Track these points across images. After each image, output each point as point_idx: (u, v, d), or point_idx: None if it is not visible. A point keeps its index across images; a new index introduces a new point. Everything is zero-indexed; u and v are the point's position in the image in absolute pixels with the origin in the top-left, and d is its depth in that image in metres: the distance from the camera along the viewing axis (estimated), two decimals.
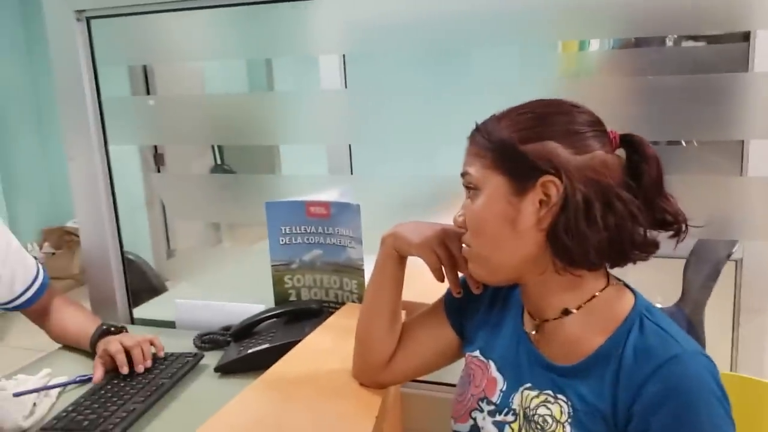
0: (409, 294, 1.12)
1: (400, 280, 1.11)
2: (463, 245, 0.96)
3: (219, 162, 5.74)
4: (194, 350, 1.50)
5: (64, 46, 1.68)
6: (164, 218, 4.30)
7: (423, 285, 1.68)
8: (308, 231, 1.55)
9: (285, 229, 1.56)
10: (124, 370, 1.36)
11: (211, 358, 1.45)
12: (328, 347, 1.31)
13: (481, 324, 1.05)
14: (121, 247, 1.81)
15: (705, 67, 2.24)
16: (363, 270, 1.50)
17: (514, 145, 0.86)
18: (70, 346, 1.56)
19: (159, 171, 4.50)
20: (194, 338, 1.55)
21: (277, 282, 1.60)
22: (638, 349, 0.83)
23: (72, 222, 4.62)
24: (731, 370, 2.34)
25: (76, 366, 1.47)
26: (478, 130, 0.91)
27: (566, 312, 0.90)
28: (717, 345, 2.33)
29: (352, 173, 2.19)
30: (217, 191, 1.99)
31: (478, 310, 1.06)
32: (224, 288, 1.88)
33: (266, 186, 1.94)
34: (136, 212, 4.05)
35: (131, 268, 2.06)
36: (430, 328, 1.11)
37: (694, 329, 2.20)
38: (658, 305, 2.59)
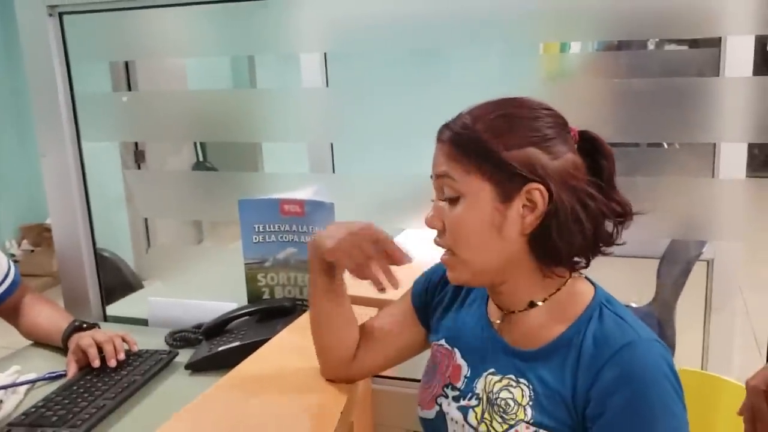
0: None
1: (337, 289, 1.12)
2: (445, 254, 0.95)
3: (201, 159, 5.72)
4: (167, 348, 1.51)
5: (36, 42, 1.67)
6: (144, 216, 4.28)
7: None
8: (282, 229, 1.56)
9: (258, 227, 1.56)
10: (96, 363, 1.36)
11: (184, 356, 1.45)
12: (298, 345, 1.31)
13: (447, 313, 1.07)
14: (94, 244, 1.81)
15: (683, 70, 2.28)
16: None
17: (499, 154, 0.86)
18: (41, 342, 1.56)
19: (139, 168, 4.48)
20: (166, 336, 1.55)
21: (250, 280, 1.60)
22: (597, 336, 0.86)
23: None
24: (702, 368, 2.37)
25: (46, 363, 1.46)
26: (451, 130, 0.91)
27: (532, 304, 0.93)
28: (688, 343, 2.37)
29: (334, 171, 2.19)
30: (195, 189, 1.98)
31: (443, 300, 1.09)
32: (199, 286, 1.88)
33: (246, 184, 1.94)
34: (115, 209, 4.03)
35: (106, 265, 2.06)
36: (398, 322, 1.13)
37: (666, 327, 2.23)
38: (633, 304, 2.63)
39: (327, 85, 2.16)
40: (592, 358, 0.85)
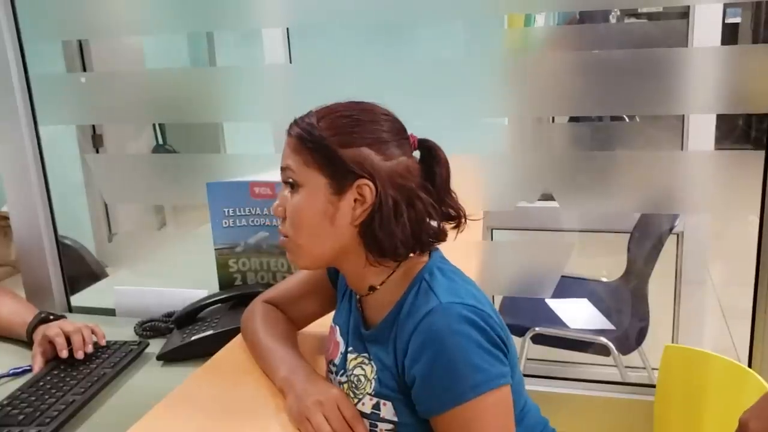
0: None
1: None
2: (282, 236, 1.02)
3: (161, 142, 5.58)
4: (136, 338, 1.45)
5: None
6: (104, 201, 4.16)
7: None
8: (253, 212, 1.51)
9: (228, 211, 1.51)
10: (63, 354, 1.30)
11: (154, 347, 1.40)
12: None
13: (345, 292, 1.14)
14: (56, 232, 1.73)
15: (647, 42, 2.28)
16: None
17: (335, 150, 0.95)
18: (3, 336, 1.49)
19: (97, 152, 4.34)
20: (135, 326, 1.50)
21: (222, 266, 1.55)
22: (409, 311, 0.95)
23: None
24: (672, 340, 2.41)
25: (9, 358, 1.39)
26: (298, 126, 0.98)
27: (372, 288, 1.02)
28: (660, 316, 2.40)
29: None
30: (158, 172, 1.92)
31: (342, 283, 1.15)
32: (167, 273, 1.82)
33: (209, 166, 1.88)
34: (74, 195, 3.90)
35: (68, 253, 1.98)
36: (318, 297, 1.23)
37: (639, 302, 2.25)
38: (603, 279, 2.64)
39: (290, 62, 2.11)
40: (403, 330, 0.95)
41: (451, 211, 1.02)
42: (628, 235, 2.49)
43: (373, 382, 1.00)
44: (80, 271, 2.18)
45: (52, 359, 1.33)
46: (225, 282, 1.56)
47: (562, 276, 1.80)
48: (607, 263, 2.90)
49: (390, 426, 0.98)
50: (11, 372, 1.33)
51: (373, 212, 0.95)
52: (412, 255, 1.00)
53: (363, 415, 0.99)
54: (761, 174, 1.36)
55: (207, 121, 2.79)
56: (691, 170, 1.54)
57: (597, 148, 2.59)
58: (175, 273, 1.77)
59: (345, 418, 0.96)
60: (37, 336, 1.36)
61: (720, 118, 2.12)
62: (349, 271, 1.04)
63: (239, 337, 1.26)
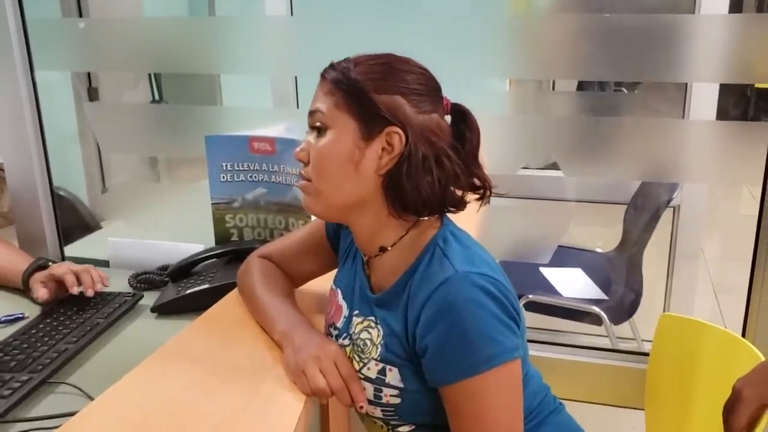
0: None
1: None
2: (302, 181, 0.99)
3: (157, 98, 5.52)
4: (129, 290, 1.44)
5: None
6: (98, 153, 4.11)
7: None
8: (251, 168, 1.49)
9: (226, 166, 1.49)
10: (75, 290, 1.31)
11: (148, 299, 1.40)
12: None
13: (347, 255, 1.13)
14: (50, 179, 1.71)
15: (654, 8, 2.24)
16: None
17: (369, 93, 0.92)
18: None
19: None
20: (129, 277, 1.49)
21: (218, 221, 1.54)
22: (422, 278, 0.93)
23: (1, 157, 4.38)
24: (664, 311, 2.42)
25: (2, 304, 1.39)
26: (334, 69, 0.96)
27: (383, 249, 1.00)
28: (653, 288, 2.41)
29: (298, 107, 2.11)
30: (155, 123, 1.89)
31: (347, 239, 1.14)
32: (161, 227, 1.81)
33: (207, 118, 1.85)
34: (67, 146, 3.85)
35: (62, 204, 1.96)
36: (312, 252, 1.21)
37: (632, 273, 2.25)
38: (598, 249, 2.64)
39: (291, 14, 2.07)
40: (416, 298, 0.92)
41: (477, 181, 0.99)
42: (625, 206, 2.49)
43: (379, 347, 0.97)
44: (74, 222, 2.17)
45: (52, 301, 1.33)
46: (221, 237, 1.55)
47: (558, 246, 1.80)
48: (602, 234, 2.90)
49: (395, 392, 0.96)
50: (3, 319, 1.32)
51: (400, 163, 0.92)
52: (426, 218, 0.98)
53: (368, 379, 0.98)
54: (765, 145, 1.34)
55: (205, 72, 2.75)
56: (693, 139, 1.53)
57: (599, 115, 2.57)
58: (171, 227, 1.76)
59: (341, 375, 0.95)
60: (35, 282, 1.34)
61: (723, 90, 2.10)
62: (363, 227, 1.00)
63: (235, 291, 1.25)
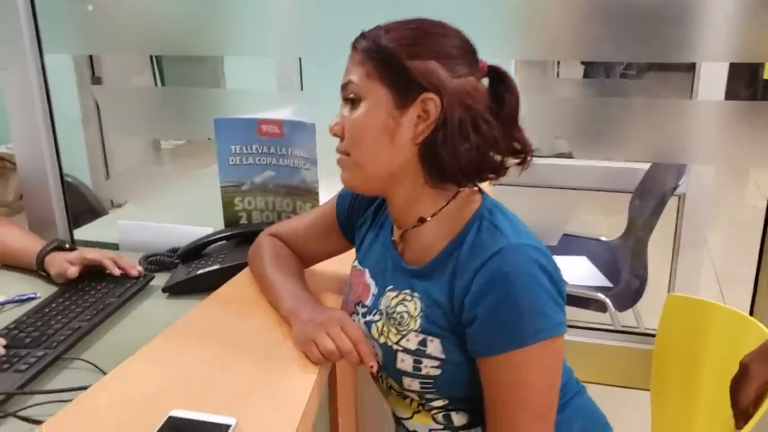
0: None
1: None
2: (338, 154, 0.98)
3: (159, 84, 5.53)
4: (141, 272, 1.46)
5: None
6: (102, 140, 4.12)
7: None
8: (260, 151, 1.50)
9: (235, 149, 1.50)
10: (116, 271, 1.36)
11: (159, 280, 1.41)
12: None
13: (365, 235, 1.13)
14: (60, 163, 1.72)
15: None
16: (318, 193, 1.46)
17: (401, 59, 0.90)
18: (8, 265, 1.49)
19: None
20: (139, 259, 1.50)
21: (227, 204, 1.55)
22: (472, 247, 0.91)
23: (5, 147, 4.39)
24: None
25: (15, 285, 1.40)
26: (365, 38, 0.94)
27: (422, 220, 0.98)
28: (657, 274, 2.41)
29: (302, 89, 2.11)
30: (159, 106, 1.89)
31: (366, 220, 1.14)
32: (170, 211, 1.81)
33: (212, 101, 1.85)
34: (70, 133, 3.86)
35: (69, 190, 1.97)
36: (322, 237, 1.21)
37: (637, 261, 2.26)
38: (603, 238, 2.64)
39: None
40: (466, 267, 0.90)
41: (517, 145, 0.96)
42: (630, 195, 2.50)
43: (418, 318, 0.96)
44: (80, 208, 2.18)
45: (68, 282, 1.35)
46: (230, 220, 1.56)
47: (563, 234, 1.80)
48: (607, 222, 2.91)
49: (436, 363, 0.94)
50: (16, 299, 1.33)
51: (437, 130, 0.90)
52: (466, 189, 0.96)
53: (407, 351, 0.96)
54: None
55: (210, 54, 2.75)
56: (701, 119, 1.52)
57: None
58: (179, 211, 1.76)
59: (349, 338, 0.95)
60: (68, 257, 1.37)
61: (732, 73, 2.10)
62: (400, 197, 0.98)
63: (245, 271, 1.27)
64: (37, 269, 1.40)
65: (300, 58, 2.10)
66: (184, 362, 0.97)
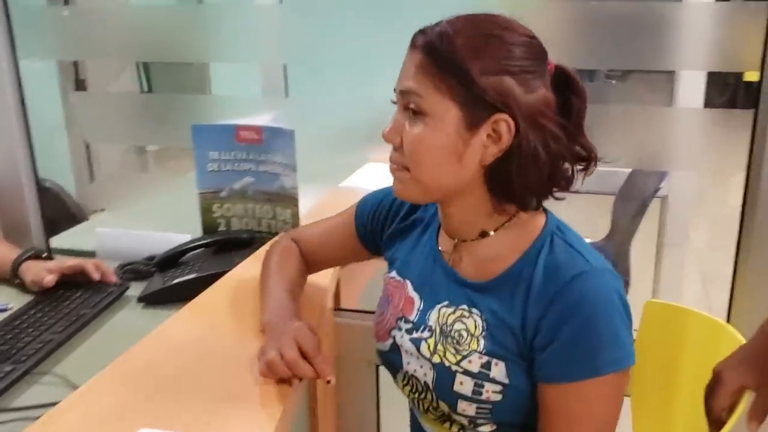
0: None
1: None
2: (397, 168, 0.89)
3: (146, 89, 5.49)
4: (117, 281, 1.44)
5: None
6: (86, 144, 4.08)
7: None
8: (238, 157, 1.49)
9: (213, 155, 1.48)
10: (97, 275, 1.35)
11: (135, 289, 1.39)
12: (257, 277, 1.27)
13: (396, 243, 1.06)
14: (35, 170, 1.69)
15: None
16: (297, 199, 1.45)
17: (475, 78, 0.81)
18: None
19: None
20: (116, 268, 1.48)
21: (205, 211, 1.53)
22: (548, 267, 0.85)
23: None
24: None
25: None
26: (430, 40, 0.83)
27: (484, 234, 0.91)
28: (640, 276, 2.42)
29: (287, 96, 2.10)
30: (142, 113, 1.87)
31: (392, 227, 1.07)
32: (149, 217, 1.80)
33: (195, 107, 1.84)
34: (55, 136, 3.82)
35: (48, 196, 1.95)
36: (340, 246, 1.16)
37: (621, 263, 2.26)
38: (588, 240, 2.64)
39: (281, 2, 2.06)
40: (543, 288, 0.85)
41: (581, 151, 0.89)
42: (613, 197, 2.50)
43: (481, 339, 0.89)
44: (59, 214, 2.15)
45: (42, 291, 1.33)
46: (208, 227, 1.54)
47: None
48: (591, 224, 2.91)
49: (498, 388, 0.88)
50: None
51: (509, 153, 0.83)
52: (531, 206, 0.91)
53: (468, 373, 0.89)
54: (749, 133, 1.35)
55: (193, 61, 2.74)
56: (680, 127, 1.53)
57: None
58: (158, 217, 1.75)
59: (303, 351, 0.90)
60: (27, 273, 1.35)
61: (712, 79, 2.11)
62: (460, 212, 0.91)
63: (221, 280, 1.25)
64: (11, 278, 1.38)
65: (285, 65, 2.09)
66: (157, 376, 0.95)
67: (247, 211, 1.52)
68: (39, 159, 1.71)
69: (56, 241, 1.78)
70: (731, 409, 0.96)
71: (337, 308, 1.48)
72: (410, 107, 0.85)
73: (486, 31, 0.84)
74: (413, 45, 0.85)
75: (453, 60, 0.81)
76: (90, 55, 2.17)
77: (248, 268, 1.31)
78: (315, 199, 1.67)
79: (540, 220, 0.91)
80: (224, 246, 1.46)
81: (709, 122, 1.50)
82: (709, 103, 2.15)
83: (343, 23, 1.57)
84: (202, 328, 1.11)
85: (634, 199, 2.28)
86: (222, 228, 1.55)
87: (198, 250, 1.46)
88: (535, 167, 0.83)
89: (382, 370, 1.53)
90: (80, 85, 4.27)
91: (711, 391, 0.99)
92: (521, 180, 0.84)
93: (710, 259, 3.54)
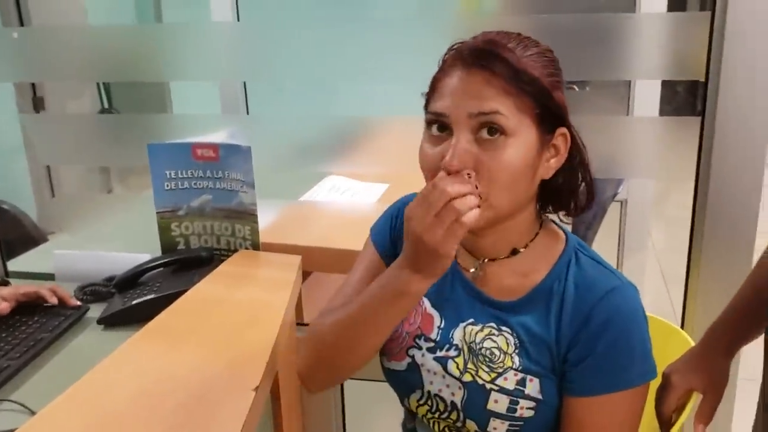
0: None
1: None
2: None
3: (107, 106, 5.43)
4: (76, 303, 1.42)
5: None
6: (47, 165, 4.02)
7: (320, 229, 1.65)
8: (195, 175, 1.48)
9: (170, 173, 1.48)
10: (54, 300, 1.33)
11: (95, 311, 1.37)
12: (218, 296, 1.27)
13: None
14: None
15: (597, 7, 2.30)
16: (256, 215, 1.45)
17: (551, 95, 0.82)
18: None
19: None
20: (75, 290, 1.46)
21: (164, 230, 1.52)
22: (579, 283, 0.88)
23: None
24: None
25: None
26: (504, 60, 0.80)
27: (515, 251, 0.92)
28: None
29: (248, 113, 2.10)
30: (100, 133, 1.86)
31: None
32: (109, 237, 1.78)
33: (154, 127, 1.83)
34: (12, 157, 3.76)
35: (6, 218, 1.92)
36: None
37: None
38: None
39: (238, 20, 2.06)
40: (578, 303, 0.87)
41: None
42: None
43: (515, 356, 0.90)
44: (18, 236, 2.12)
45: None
46: (167, 246, 1.54)
47: None
48: None
49: (532, 404, 0.89)
50: None
51: (566, 165, 0.87)
52: (550, 216, 0.94)
53: (503, 391, 0.90)
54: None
55: (152, 80, 2.72)
56: (635, 135, 1.57)
57: None
58: (118, 237, 1.73)
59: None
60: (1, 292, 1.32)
61: (667, 86, 2.17)
62: (503, 231, 0.88)
63: (181, 299, 1.24)
64: None
65: (244, 82, 2.10)
66: (116, 399, 0.94)
67: (206, 228, 1.52)
68: None
69: (14, 265, 1.76)
70: (680, 411, 0.99)
71: (300, 323, 1.48)
72: (492, 128, 0.80)
73: (543, 48, 0.86)
74: (485, 67, 0.80)
75: (535, 80, 0.81)
76: (47, 77, 2.16)
77: (208, 286, 1.31)
78: (274, 215, 1.68)
79: (561, 237, 0.93)
80: (184, 264, 1.45)
81: (664, 130, 1.53)
82: (663, 111, 2.21)
83: (299, 40, 1.58)
84: (162, 349, 1.10)
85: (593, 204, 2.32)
86: (181, 246, 1.54)
87: (157, 270, 1.45)
88: (582, 173, 0.88)
89: (348, 386, 1.53)
90: (39, 104, 4.21)
91: (660, 394, 1.01)
92: (571, 187, 0.88)
93: (672, 261, 3.61)
